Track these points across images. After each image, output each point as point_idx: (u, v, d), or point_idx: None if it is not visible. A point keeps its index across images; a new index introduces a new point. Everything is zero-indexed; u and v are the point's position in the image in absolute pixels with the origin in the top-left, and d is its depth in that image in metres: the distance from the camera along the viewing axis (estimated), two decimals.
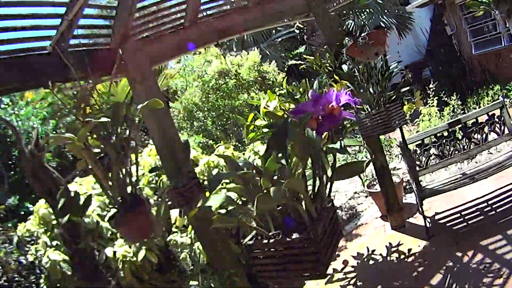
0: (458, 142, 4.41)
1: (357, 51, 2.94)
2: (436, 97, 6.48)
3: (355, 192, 6.17)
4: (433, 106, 6.25)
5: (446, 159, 4.41)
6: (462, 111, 6.99)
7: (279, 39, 11.12)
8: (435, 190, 4.08)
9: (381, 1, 9.57)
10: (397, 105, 3.37)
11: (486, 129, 4.43)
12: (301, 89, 3.27)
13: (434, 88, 6.67)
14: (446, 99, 6.54)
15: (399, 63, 3.49)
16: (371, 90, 3.20)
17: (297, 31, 10.82)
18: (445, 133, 4.43)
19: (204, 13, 3.69)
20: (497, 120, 4.43)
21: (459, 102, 6.66)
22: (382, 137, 5.49)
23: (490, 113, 4.42)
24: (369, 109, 3.32)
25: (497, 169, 4.04)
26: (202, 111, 6.41)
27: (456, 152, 4.42)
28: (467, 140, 4.41)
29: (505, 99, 5.55)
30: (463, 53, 9.49)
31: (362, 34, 2.84)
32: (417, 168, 4.42)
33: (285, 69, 10.42)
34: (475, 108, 8.53)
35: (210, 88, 6.34)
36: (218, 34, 3.70)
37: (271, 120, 2.84)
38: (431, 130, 4.47)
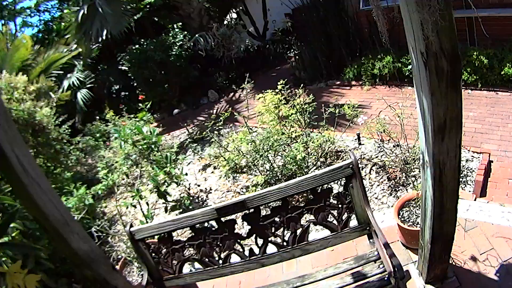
0: (238, 240, 2.15)
1: None
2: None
3: None
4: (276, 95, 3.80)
5: (214, 268, 2.21)
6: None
7: None
8: None
9: None
10: None
11: (305, 218, 2.15)
12: None
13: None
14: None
15: None
16: None
17: None
18: (214, 224, 2.17)
19: None
20: (334, 201, 2.11)
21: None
22: None
23: (319, 188, 2.07)
24: None
25: None
26: None
27: (237, 257, 2.19)
28: (261, 240, 2.14)
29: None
30: (347, 5, 6.59)
31: None
32: (164, 277, 2.26)
33: (131, 27, 7.29)
34: (352, 77, 5.99)
35: None
36: None
37: None
38: (183, 218, 2.12)
